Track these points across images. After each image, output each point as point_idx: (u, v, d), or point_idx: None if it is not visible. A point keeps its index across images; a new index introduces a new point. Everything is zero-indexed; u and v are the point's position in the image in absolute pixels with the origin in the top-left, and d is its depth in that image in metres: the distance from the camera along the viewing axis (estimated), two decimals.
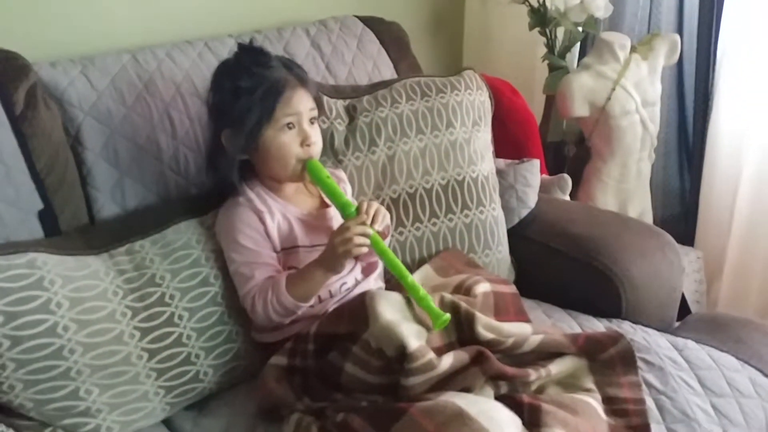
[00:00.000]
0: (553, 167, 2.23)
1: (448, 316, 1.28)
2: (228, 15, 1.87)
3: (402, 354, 1.18)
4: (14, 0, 1.54)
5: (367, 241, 1.31)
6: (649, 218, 2.22)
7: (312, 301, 1.36)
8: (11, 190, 1.32)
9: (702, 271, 2.25)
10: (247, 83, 1.34)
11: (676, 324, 1.68)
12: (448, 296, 1.33)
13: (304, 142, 1.37)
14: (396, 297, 1.29)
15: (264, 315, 1.33)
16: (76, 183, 1.43)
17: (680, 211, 2.35)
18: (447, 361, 1.20)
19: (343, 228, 1.32)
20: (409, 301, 1.29)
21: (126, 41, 1.66)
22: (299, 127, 1.37)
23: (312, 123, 1.40)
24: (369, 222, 1.32)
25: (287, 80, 1.36)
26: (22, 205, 1.33)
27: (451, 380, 1.21)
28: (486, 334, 1.29)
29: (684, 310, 1.93)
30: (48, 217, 1.36)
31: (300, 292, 1.33)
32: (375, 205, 1.36)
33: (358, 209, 1.34)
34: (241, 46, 1.43)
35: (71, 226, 1.40)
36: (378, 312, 1.22)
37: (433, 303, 1.28)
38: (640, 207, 2.18)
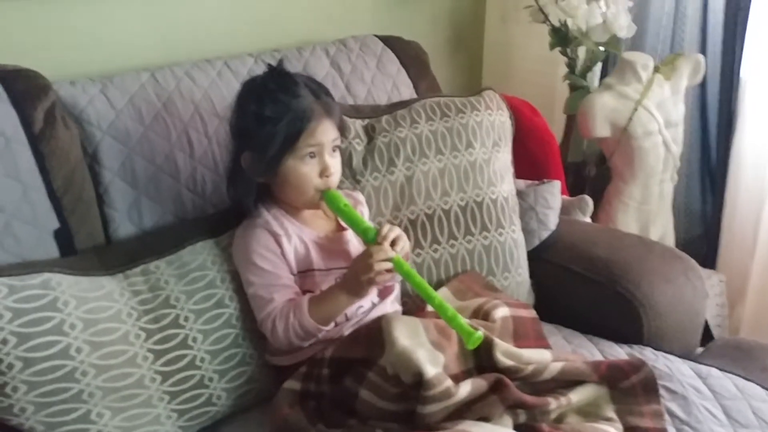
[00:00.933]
0: (573, 188, 2.20)
1: (480, 333, 1.25)
2: (247, 34, 1.87)
3: (419, 381, 1.16)
4: (34, 19, 1.54)
5: (390, 265, 1.29)
6: (670, 240, 2.19)
7: (332, 325, 1.34)
8: (28, 208, 1.31)
9: (724, 294, 2.21)
10: (272, 112, 1.32)
11: (699, 350, 1.65)
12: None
13: (324, 172, 1.36)
14: (413, 322, 1.26)
15: (284, 338, 1.31)
16: (93, 202, 1.42)
17: (702, 233, 2.31)
18: (465, 389, 1.18)
19: (365, 255, 1.30)
20: (426, 326, 1.26)
21: (145, 60, 1.66)
22: (320, 158, 1.36)
23: (333, 151, 1.38)
24: (388, 245, 1.30)
25: (313, 110, 1.34)
26: (39, 224, 1.32)
27: (469, 409, 1.18)
28: (505, 360, 1.26)
29: (706, 335, 1.89)
30: (64, 237, 1.35)
31: (322, 315, 1.31)
32: (396, 230, 1.34)
33: (378, 233, 1.32)
34: (271, 69, 1.40)
35: (87, 246, 1.39)
36: (394, 337, 1.20)
37: (464, 321, 1.26)
38: (662, 229, 2.15)
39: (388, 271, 1.29)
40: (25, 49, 1.50)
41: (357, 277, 1.30)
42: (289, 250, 1.37)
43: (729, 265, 2.23)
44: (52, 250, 1.34)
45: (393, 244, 1.31)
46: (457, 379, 1.22)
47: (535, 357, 1.30)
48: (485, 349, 1.27)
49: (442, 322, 1.29)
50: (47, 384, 1.16)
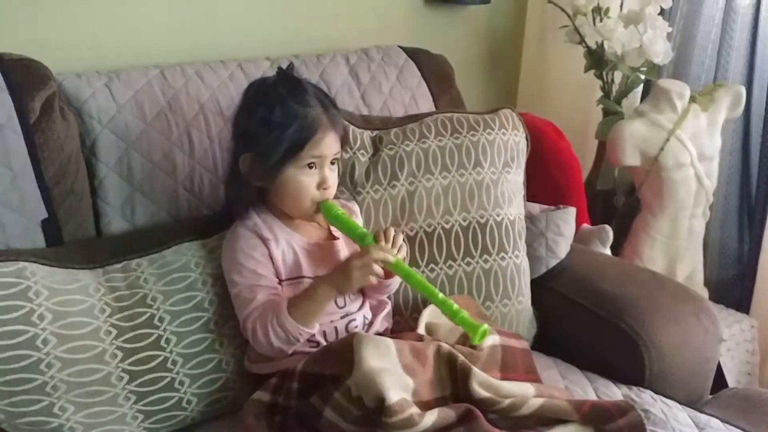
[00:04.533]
0: (601, 217, 2.12)
1: (486, 326, 1.24)
2: (269, 37, 1.85)
3: (381, 405, 1.11)
4: (52, 14, 1.55)
5: (380, 271, 1.28)
6: (699, 279, 2.08)
7: (316, 329, 1.31)
8: (16, 196, 1.31)
9: (756, 341, 2.09)
10: (281, 118, 1.30)
11: (709, 398, 1.55)
12: (445, 346, 1.26)
13: (322, 185, 1.34)
14: (385, 343, 1.21)
15: (265, 341, 1.28)
16: (86, 195, 1.42)
17: (737, 274, 2.19)
18: (430, 418, 1.12)
19: (363, 252, 1.29)
20: (400, 348, 1.21)
21: (162, 58, 1.66)
22: (320, 169, 1.34)
23: (332, 164, 1.37)
24: (389, 246, 1.30)
25: (320, 122, 1.32)
26: (27, 213, 1.32)
27: None
28: (481, 392, 1.20)
29: (722, 383, 1.78)
30: (51, 227, 1.35)
31: (302, 313, 1.27)
32: (392, 230, 1.33)
33: (376, 237, 1.31)
34: (281, 73, 1.38)
35: (75, 238, 1.39)
36: (362, 357, 1.15)
37: (468, 315, 1.26)
38: (690, 267, 2.05)
39: (384, 274, 1.29)
40: (38, 42, 1.50)
41: (349, 271, 1.28)
42: (277, 254, 1.34)
43: (763, 309, 2.11)
44: (38, 240, 1.34)
45: (392, 245, 1.31)
46: (428, 406, 1.17)
47: (515, 390, 1.24)
48: (462, 378, 1.22)
49: (418, 345, 1.25)
50: (11, 373, 1.15)
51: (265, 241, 1.34)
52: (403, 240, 1.35)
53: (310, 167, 1.33)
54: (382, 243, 1.30)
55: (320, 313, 1.30)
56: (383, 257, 1.28)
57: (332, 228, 1.42)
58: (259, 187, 1.37)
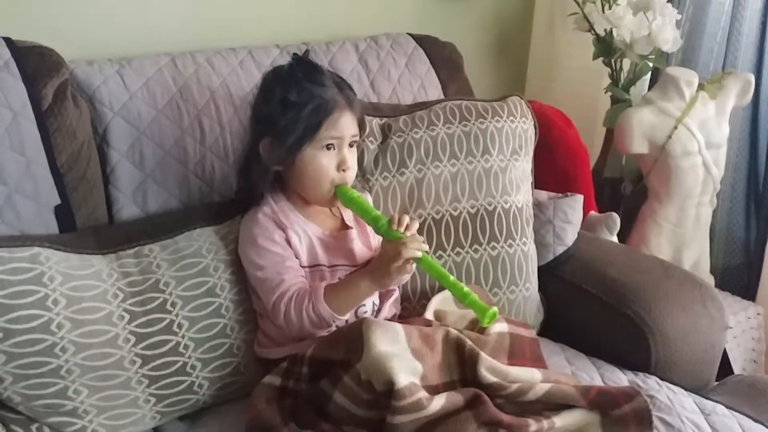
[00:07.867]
0: (608, 204, 2.12)
1: (495, 309, 1.25)
2: (278, 25, 1.86)
3: (390, 389, 1.12)
4: (64, 1, 1.57)
5: (419, 254, 1.28)
6: (705, 267, 2.09)
7: (347, 317, 1.32)
8: (30, 183, 1.32)
9: (762, 328, 2.10)
10: (297, 97, 1.32)
11: (715, 385, 1.56)
12: (453, 332, 1.27)
13: (341, 166, 1.35)
14: (394, 328, 1.22)
15: (297, 323, 1.29)
16: (98, 181, 1.43)
17: (743, 262, 2.19)
18: (438, 402, 1.14)
19: (398, 244, 1.28)
20: (409, 333, 1.23)
21: (172, 46, 1.66)
22: (338, 150, 1.35)
23: (351, 147, 1.38)
24: (402, 230, 1.30)
25: (337, 101, 1.34)
26: (40, 199, 1.34)
27: (441, 423, 1.13)
28: (489, 377, 1.22)
29: (728, 370, 1.79)
30: (64, 213, 1.36)
31: (339, 303, 1.29)
32: (407, 217, 1.33)
33: (391, 221, 1.31)
34: (296, 57, 1.40)
35: (88, 224, 1.40)
36: (372, 342, 1.17)
37: (478, 298, 1.27)
38: (697, 254, 2.05)
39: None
40: (50, 29, 1.53)
41: (386, 264, 1.28)
42: (296, 241, 1.36)
43: None
44: (51, 226, 1.35)
45: (405, 229, 1.31)
46: (437, 390, 1.19)
47: (522, 375, 1.25)
48: (470, 362, 1.23)
49: (426, 330, 1.26)
50: (26, 357, 1.17)
51: (282, 228, 1.36)
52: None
53: (329, 148, 1.34)
54: (415, 235, 1.30)
55: (358, 303, 1.33)
56: (416, 246, 1.28)
57: (345, 218, 1.43)
58: (277, 175, 1.39)
